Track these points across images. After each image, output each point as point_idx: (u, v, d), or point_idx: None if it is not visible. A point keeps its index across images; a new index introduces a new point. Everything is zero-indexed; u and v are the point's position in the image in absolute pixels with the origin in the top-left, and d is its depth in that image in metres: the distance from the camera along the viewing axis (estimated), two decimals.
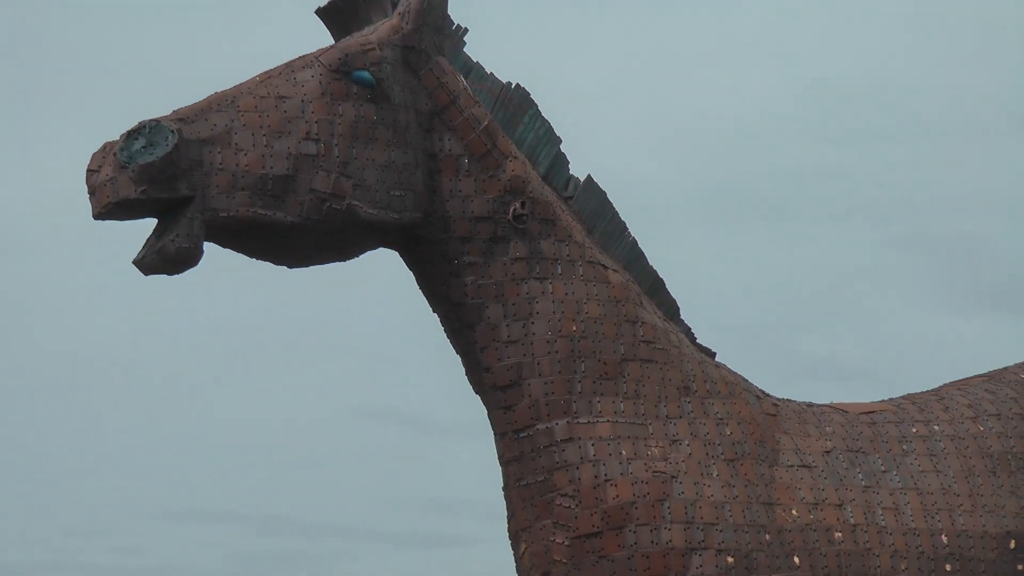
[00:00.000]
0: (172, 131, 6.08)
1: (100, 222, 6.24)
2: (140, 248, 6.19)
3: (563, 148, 7.07)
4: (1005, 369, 7.91)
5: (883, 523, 6.99)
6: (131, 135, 6.07)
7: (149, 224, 6.27)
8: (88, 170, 6.14)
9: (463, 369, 6.93)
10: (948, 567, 7.06)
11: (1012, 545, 7.23)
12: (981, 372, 7.99)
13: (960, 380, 7.89)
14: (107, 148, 6.12)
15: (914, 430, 7.37)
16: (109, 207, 6.08)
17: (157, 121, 6.11)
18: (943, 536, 7.09)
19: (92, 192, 6.12)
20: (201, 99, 6.34)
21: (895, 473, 7.17)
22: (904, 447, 7.28)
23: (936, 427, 7.42)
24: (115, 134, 6.12)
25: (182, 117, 6.21)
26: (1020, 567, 7.23)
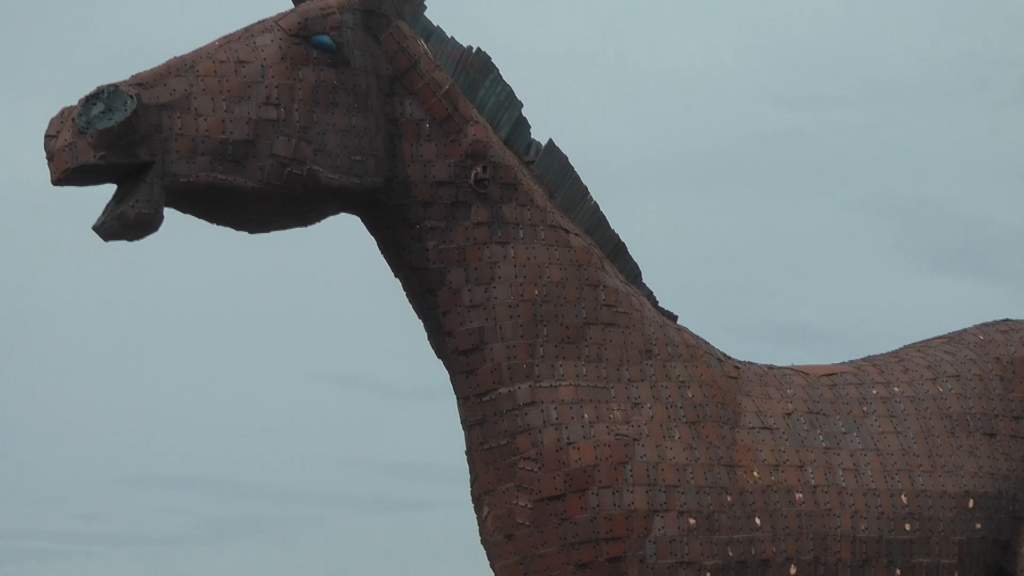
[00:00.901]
0: (131, 96, 6.04)
1: (59, 188, 6.21)
2: (99, 214, 6.17)
3: (524, 112, 7.07)
4: (964, 331, 7.96)
5: (843, 484, 7.04)
6: (89, 100, 6.03)
7: (108, 190, 6.25)
8: (46, 136, 6.09)
9: (425, 334, 6.94)
10: (908, 527, 7.12)
11: (971, 504, 7.30)
12: (941, 334, 8.06)
13: (920, 342, 7.94)
14: (65, 113, 6.07)
15: (874, 392, 7.42)
16: (68, 173, 6.04)
17: (116, 86, 6.07)
18: (903, 496, 7.14)
19: (50, 158, 6.07)
20: (160, 64, 6.30)
21: (855, 434, 7.21)
22: (864, 409, 7.32)
23: (896, 389, 7.47)
24: (73, 99, 6.09)
25: (141, 82, 6.17)
26: (978, 526, 7.30)
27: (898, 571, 7.08)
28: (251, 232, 6.62)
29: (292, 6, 6.77)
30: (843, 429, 7.20)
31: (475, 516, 7.01)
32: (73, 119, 6.00)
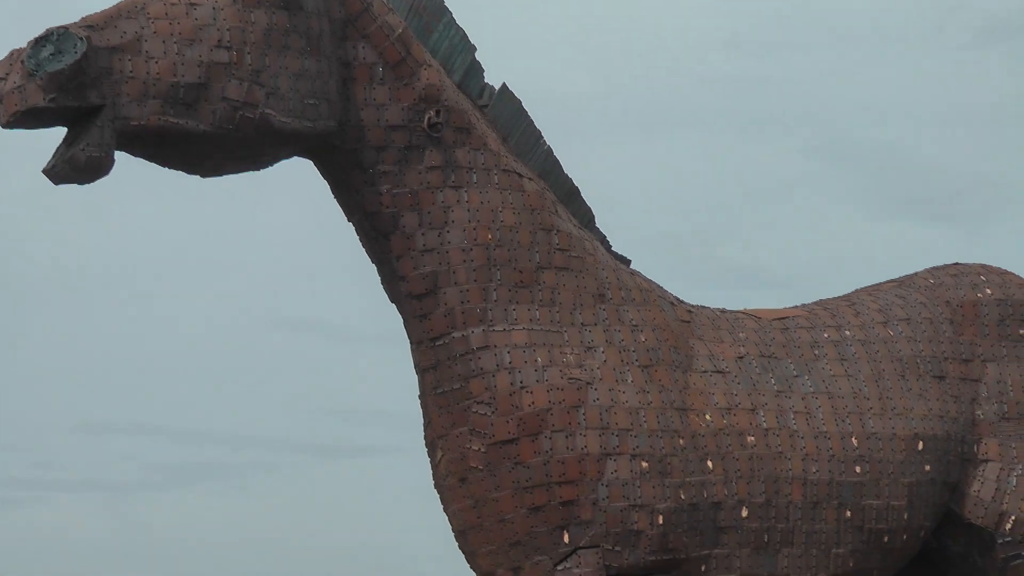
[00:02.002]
0: (81, 39, 6.00)
1: (8, 131, 6.18)
2: (50, 157, 6.14)
3: (478, 56, 7.06)
4: (915, 275, 8.02)
5: (795, 427, 7.10)
6: (39, 43, 5.99)
7: (58, 133, 6.21)
8: None
9: (379, 278, 6.94)
10: (858, 469, 7.18)
11: (920, 447, 7.37)
12: (893, 278, 8.11)
13: (871, 286, 8.00)
14: (14, 56, 6.04)
15: (826, 335, 7.47)
16: (17, 115, 6.01)
17: (65, 28, 6.03)
18: (853, 439, 7.20)
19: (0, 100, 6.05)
20: (110, 6, 6.27)
21: (807, 378, 7.27)
22: (816, 352, 7.37)
23: (847, 332, 7.52)
24: (22, 42, 6.05)
25: (91, 24, 6.14)
26: (928, 468, 7.37)
27: (848, 513, 7.15)
28: (203, 176, 6.61)
29: None
30: (794, 372, 7.25)
31: (429, 460, 7.04)
32: (22, 61, 5.97)
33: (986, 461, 7.56)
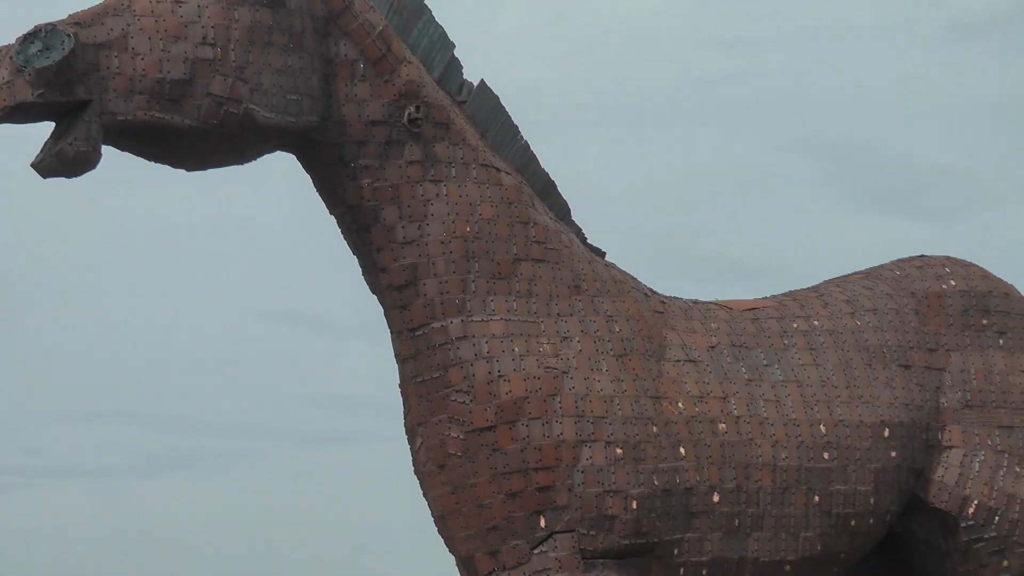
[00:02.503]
0: (68, 35, 6.01)
1: None
2: (38, 151, 6.15)
3: (456, 53, 7.08)
4: (881, 267, 8.05)
5: (765, 414, 7.13)
6: (27, 39, 6.00)
7: (47, 128, 6.21)
8: None
9: (360, 270, 6.96)
10: (826, 455, 7.22)
11: (886, 433, 7.41)
12: (861, 270, 8.14)
13: (839, 277, 8.03)
14: (2, 52, 6.04)
15: (795, 325, 7.50)
16: (6, 110, 6.01)
17: (53, 25, 6.04)
18: (821, 426, 7.24)
19: None
20: (97, 3, 6.28)
21: (776, 367, 7.30)
22: (785, 342, 7.41)
23: (816, 322, 7.55)
24: (10, 38, 6.06)
25: (78, 21, 6.15)
26: (893, 454, 7.41)
27: (816, 498, 7.18)
28: (188, 170, 6.62)
29: None
30: (765, 361, 7.29)
31: (409, 447, 7.05)
32: (11, 57, 5.97)
33: (950, 448, 7.60)
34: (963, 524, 7.53)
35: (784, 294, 7.79)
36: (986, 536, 7.54)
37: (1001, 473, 7.62)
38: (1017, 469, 7.65)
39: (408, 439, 7.03)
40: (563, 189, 7.25)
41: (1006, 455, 7.65)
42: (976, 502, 7.53)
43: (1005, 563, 7.57)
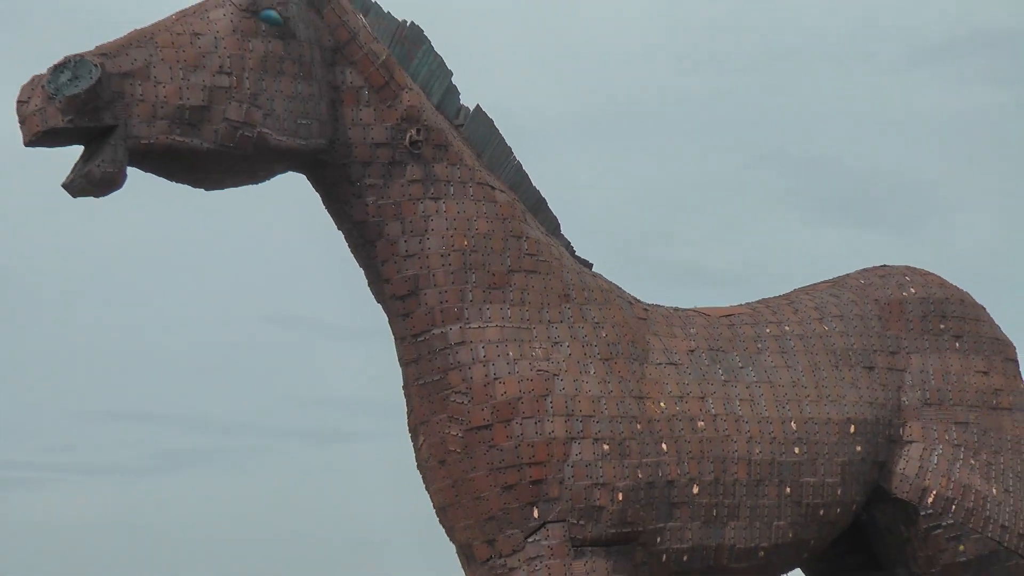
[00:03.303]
0: (95, 65, 6.02)
1: (31, 149, 6.19)
2: (68, 172, 6.16)
3: (454, 80, 7.09)
4: (847, 275, 8.08)
5: (740, 413, 7.15)
6: (58, 68, 6.00)
7: (76, 151, 6.22)
8: (18, 101, 6.06)
9: (366, 280, 6.96)
10: (797, 450, 7.24)
11: (852, 430, 7.43)
12: (827, 278, 8.16)
13: (808, 286, 8.05)
14: (35, 81, 6.04)
15: (768, 330, 7.52)
16: (39, 135, 6.03)
17: (81, 56, 6.04)
18: (792, 423, 7.26)
19: (22, 121, 6.05)
20: (122, 36, 6.29)
21: (751, 369, 7.31)
22: (759, 345, 7.43)
23: (787, 327, 7.57)
24: (43, 68, 6.06)
25: (104, 52, 6.15)
26: (859, 449, 7.43)
27: (788, 489, 7.19)
28: (207, 189, 6.62)
29: None
30: (740, 364, 7.30)
31: (411, 444, 7.07)
32: (43, 86, 5.98)
33: (910, 442, 7.63)
34: (922, 512, 7.55)
35: (757, 301, 7.81)
36: (944, 523, 7.56)
37: (957, 465, 7.64)
38: (972, 462, 7.68)
39: (411, 437, 7.04)
40: (553, 205, 7.28)
41: (962, 449, 7.67)
42: (934, 492, 7.55)
43: (961, 548, 7.59)
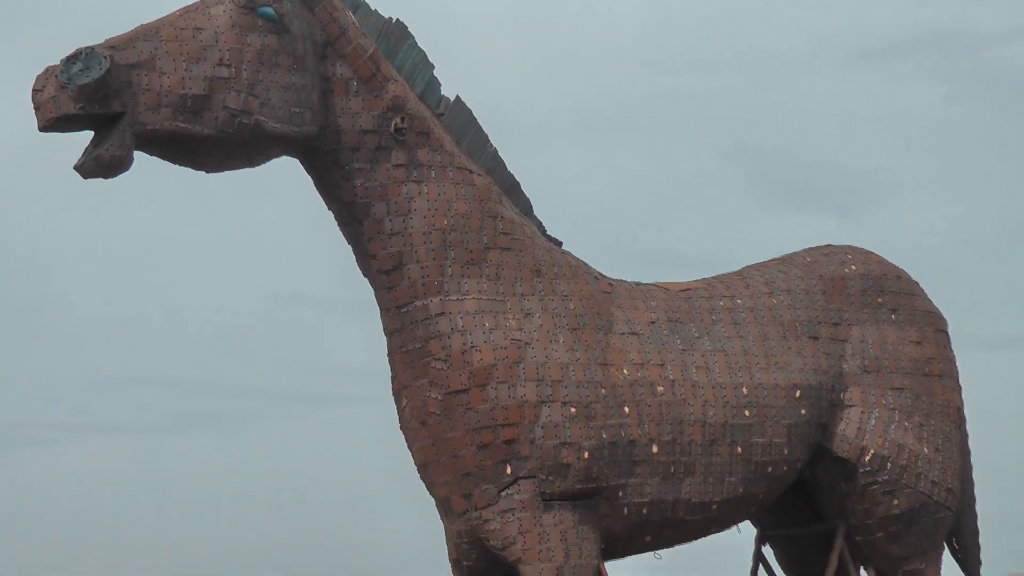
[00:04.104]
0: (105, 57, 5.98)
1: (45, 134, 6.15)
2: (80, 155, 6.12)
3: (436, 73, 7.06)
4: (795, 254, 8.06)
5: (696, 379, 7.13)
6: (70, 60, 5.97)
7: (87, 136, 6.18)
8: (33, 90, 6.03)
9: (354, 257, 6.93)
10: (747, 413, 7.23)
11: (798, 395, 7.43)
12: (778, 257, 8.13)
13: (759, 263, 8.03)
14: (49, 71, 6.01)
15: (721, 303, 7.50)
16: (52, 121, 5.99)
17: (92, 48, 6.01)
18: (743, 388, 7.25)
19: (37, 108, 6.02)
20: (129, 30, 6.24)
21: (706, 338, 7.30)
22: (713, 317, 7.41)
23: (739, 301, 7.56)
24: (56, 59, 6.02)
25: (113, 45, 6.11)
26: (804, 412, 7.42)
27: (739, 449, 7.19)
28: (207, 172, 6.58)
29: None
30: (696, 334, 7.29)
31: (395, 407, 7.04)
32: (56, 76, 5.95)
33: (851, 406, 7.63)
34: (861, 470, 7.56)
35: (712, 277, 7.79)
36: (880, 479, 7.57)
37: (892, 427, 7.64)
38: (906, 424, 7.68)
39: (395, 400, 7.02)
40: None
41: (897, 412, 7.68)
42: (872, 451, 7.56)
43: (895, 501, 7.60)
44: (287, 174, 7.01)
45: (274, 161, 6.71)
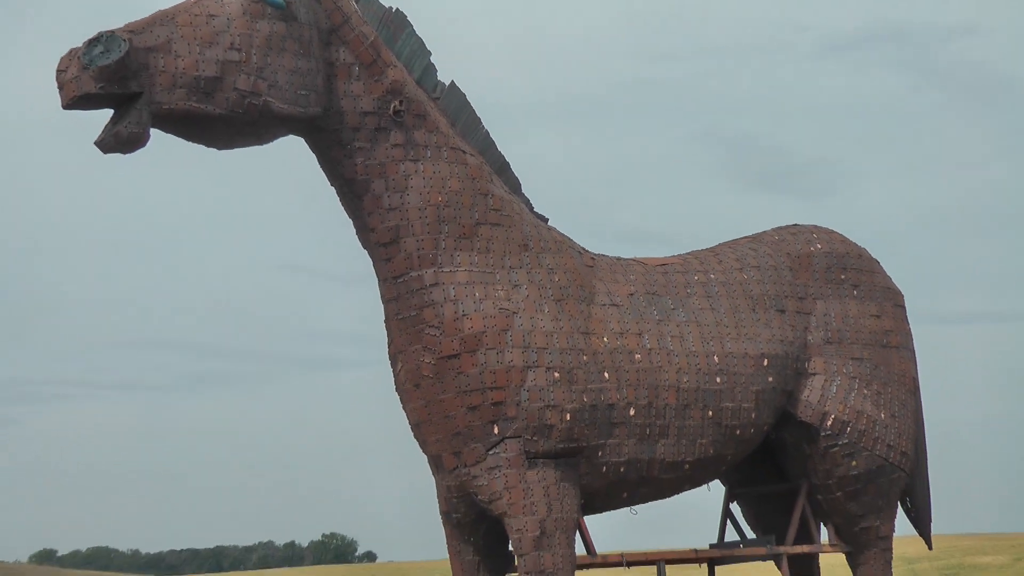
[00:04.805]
0: (124, 40, 5.98)
1: (68, 112, 6.14)
2: (100, 132, 6.11)
3: (432, 59, 7.05)
4: (764, 232, 8.09)
5: (671, 347, 7.16)
6: (92, 42, 5.97)
7: (107, 114, 6.17)
8: (57, 70, 6.03)
9: (354, 230, 6.92)
10: (718, 379, 7.27)
11: (765, 363, 7.46)
12: (749, 235, 8.15)
13: (731, 241, 8.05)
14: (72, 53, 6.01)
15: (696, 278, 7.52)
16: (75, 99, 5.99)
17: (112, 32, 6.00)
18: (715, 357, 7.28)
19: (61, 87, 6.02)
20: (147, 16, 6.23)
21: (681, 310, 7.32)
22: (688, 291, 7.43)
23: (712, 276, 7.58)
24: (79, 42, 6.02)
25: (132, 29, 6.11)
26: (771, 379, 7.47)
27: (710, 413, 7.23)
28: (219, 149, 6.57)
29: None
30: (671, 306, 7.31)
31: (391, 370, 7.06)
32: (79, 57, 5.94)
33: (814, 374, 7.67)
34: (823, 433, 7.61)
35: (688, 253, 7.81)
36: (840, 442, 7.62)
37: (852, 394, 7.69)
38: (865, 391, 7.72)
39: (391, 363, 7.03)
40: (516, 168, 7.25)
41: (856, 380, 7.72)
42: (833, 416, 7.61)
43: (854, 463, 7.65)
44: (293, 155, 7.02)
45: (280, 141, 6.70)
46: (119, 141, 6.00)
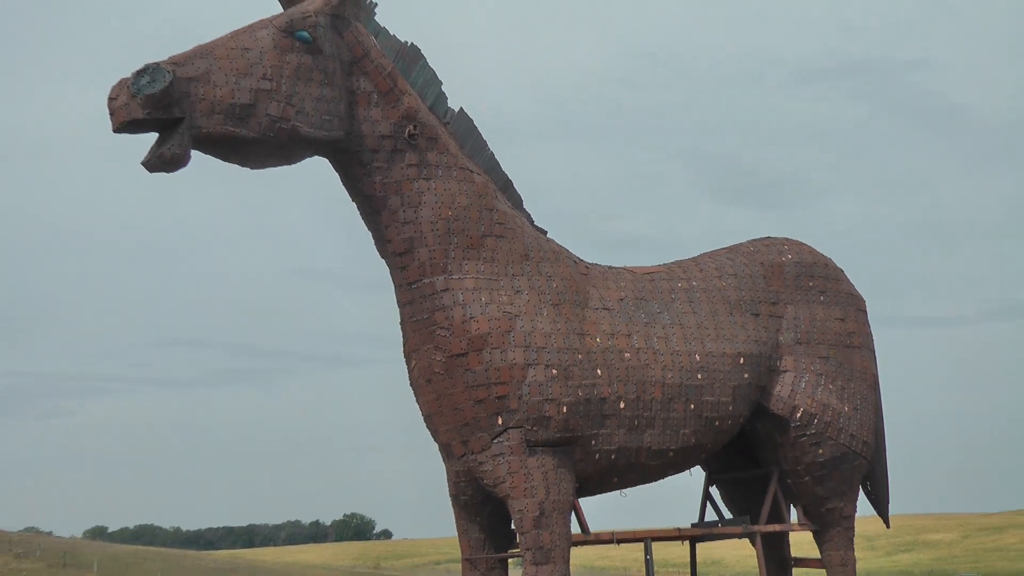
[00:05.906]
0: (168, 71, 6.00)
1: (118, 135, 6.15)
2: (146, 153, 6.12)
3: (444, 88, 7.07)
4: (741, 244, 8.11)
5: (657, 347, 7.18)
6: (139, 73, 5.99)
7: (152, 137, 6.18)
8: (109, 98, 6.06)
9: (373, 241, 6.94)
10: (699, 376, 7.28)
11: (742, 361, 7.47)
12: (726, 246, 8.15)
13: (711, 251, 8.07)
14: (122, 83, 6.03)
15: (679, 285, 7.54)
16: (124, 124, 6.02)
17: (158, 64, 6.03)
18: (697, 355, 7.29)
19: (112, 113, 6.04)
20: (188, 49, 6.25)
21: (666, 314, 7.34)
22: (672, 296, 7.45)
23: (694, 283, 7.60)
24: (128, 72, 6.04)
25: (175, 61, 6.14)
26: (746, 375, 7.48)
27: (692, 406, 7.24)
28: (252, 168, 6.59)
29: (282, 10, 6.71)
30: (657, 310, 7.32)
31: (406, 367, 7.07)
32: (127, 87, 5.97)
33: (785, 371, 7.68)
34: (792, 424, 7.62)
35: (672, 263, 7.83)
36: (808, 432, 7.63)
37: (819, 389, 7.70)
38: (830, 386, 7.73)
39: (405, 361, 7.04)
40: (518, 186, 7.26)
41: (823, 377, 7.73)
42: (802, 409, 7.62)
43: (820, 451, 7.66)
44: (316, 170, 7.03)
45: (304, 161, 6.71)
46: (163, 161, 6.02)
